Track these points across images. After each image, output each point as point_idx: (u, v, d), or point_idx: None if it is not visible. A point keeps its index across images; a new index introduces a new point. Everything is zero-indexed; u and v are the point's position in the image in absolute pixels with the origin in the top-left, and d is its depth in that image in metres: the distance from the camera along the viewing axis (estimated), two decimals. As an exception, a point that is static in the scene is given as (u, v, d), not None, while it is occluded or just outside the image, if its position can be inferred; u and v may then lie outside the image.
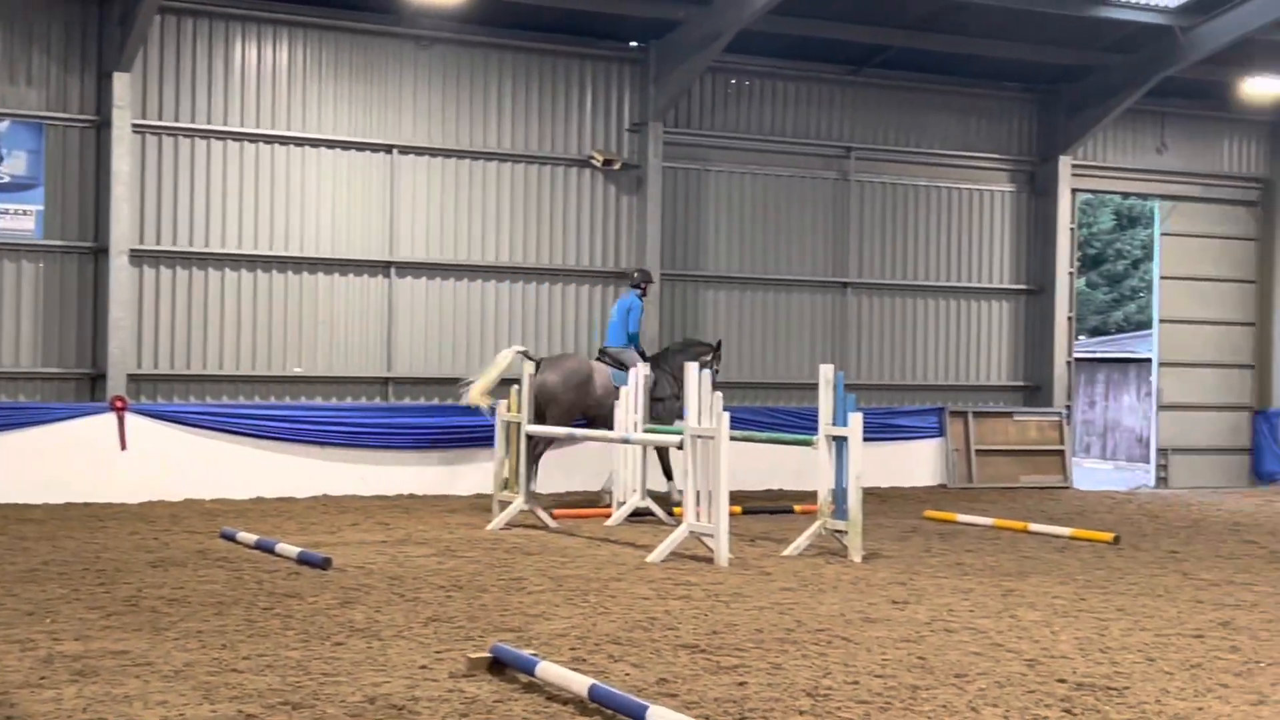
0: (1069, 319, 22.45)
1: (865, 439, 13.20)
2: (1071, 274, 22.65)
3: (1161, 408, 23.69)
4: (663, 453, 16.70)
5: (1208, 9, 19.79)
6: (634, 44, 19.79)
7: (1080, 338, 37.27)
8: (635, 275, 18.03)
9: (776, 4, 17.85)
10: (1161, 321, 23.78)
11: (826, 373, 13.29)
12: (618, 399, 15.76)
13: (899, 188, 21.51)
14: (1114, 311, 44.78)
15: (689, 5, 18.83)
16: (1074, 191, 22.52)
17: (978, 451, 21.27)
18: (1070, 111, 21.89)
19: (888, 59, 20.90)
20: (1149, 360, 25.39)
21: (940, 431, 21.18)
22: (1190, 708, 7.36)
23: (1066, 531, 15.12)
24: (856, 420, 12.87)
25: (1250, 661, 8.58)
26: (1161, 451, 23.68)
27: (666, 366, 17.41)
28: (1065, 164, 22.05)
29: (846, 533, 12.97)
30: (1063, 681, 7.92)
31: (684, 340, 18.66)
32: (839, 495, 13.14)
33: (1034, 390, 22.14)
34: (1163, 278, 23.82)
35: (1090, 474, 27.08)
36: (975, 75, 21.70)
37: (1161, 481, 23.42)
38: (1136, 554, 13.82)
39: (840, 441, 13.08)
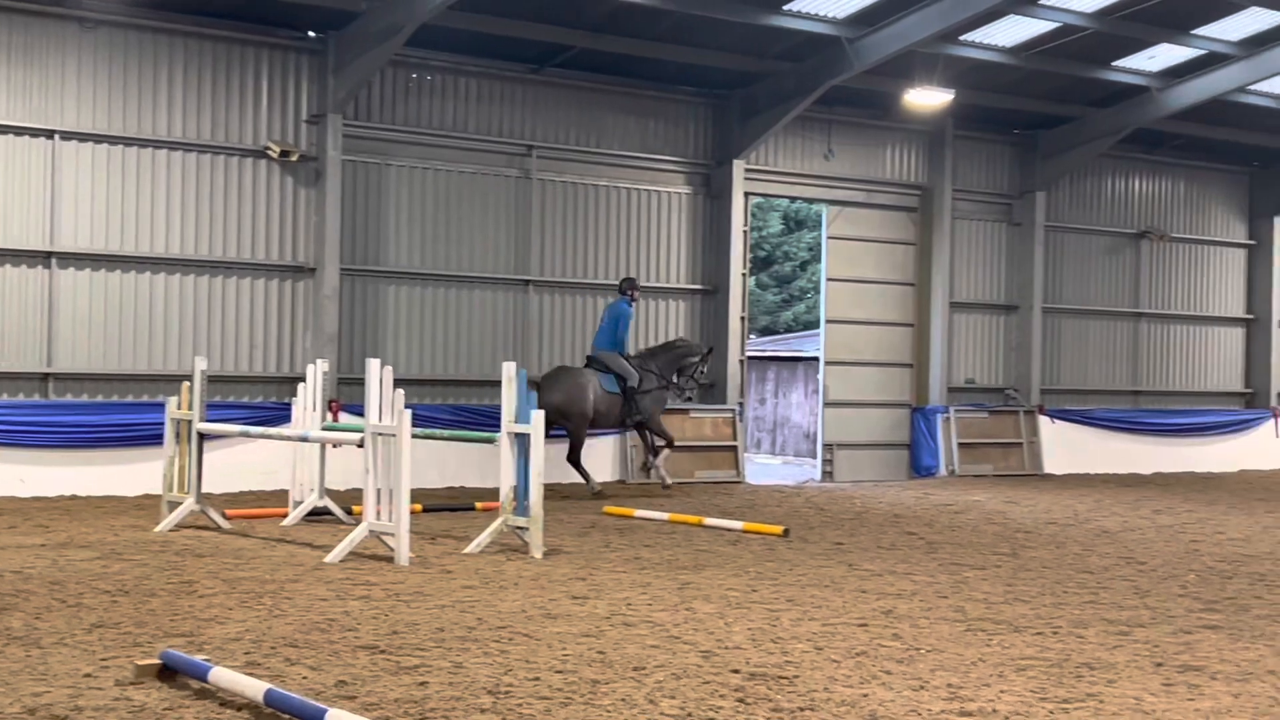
0: (741, 319, 23.01)
1: (547, 436, 13.28)
2: (744, 275, 23.21)
3: (827, 404, 24.52)
4: (644, 433, 19.78)
5: (873, 21, 20.58)
6: (313, 34, 19.39)
7: (752, 337, 38.37)
8: (623, 283, 19.97)
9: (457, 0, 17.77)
10: (828, 322, 24.58)
11: (509, 370, 13.32)
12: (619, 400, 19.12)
13: (580, 187, 21.68)
14: (783, 312, 46.23)
15: (369, -4, 18.58)
16: (747, 195, 23.07)
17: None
18: (743, 117, 22.45)
19: (569, 59, 21.04)
20: (816, 359, 26.24)
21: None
22: (856, 694, 7.64)
23: (739, 525, 15.48)
24: (538, 417, 12.93)
25: (911, 648, 8.96)
26: (827, 447, 24.51)
27: (651, 365, 19.65)
28: (739, 168, 22.57)
29: (528, 529, 13.01)
30: (736, 672, 8.12)
31: (670, 340, 20.73)
32: (520, 492, 13.17)
33: (709, 387, 22.63)
34: (829, 279, 24.62)
35: (762, 469, 27.91)
36: (653, 79, 22.05)
37: (827, 475, 24.26)
38: (805, 546, 14.27)
39: (522, 438, 13.12)
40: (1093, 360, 27.01)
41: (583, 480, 19.19)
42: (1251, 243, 28.66)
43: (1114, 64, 23.35)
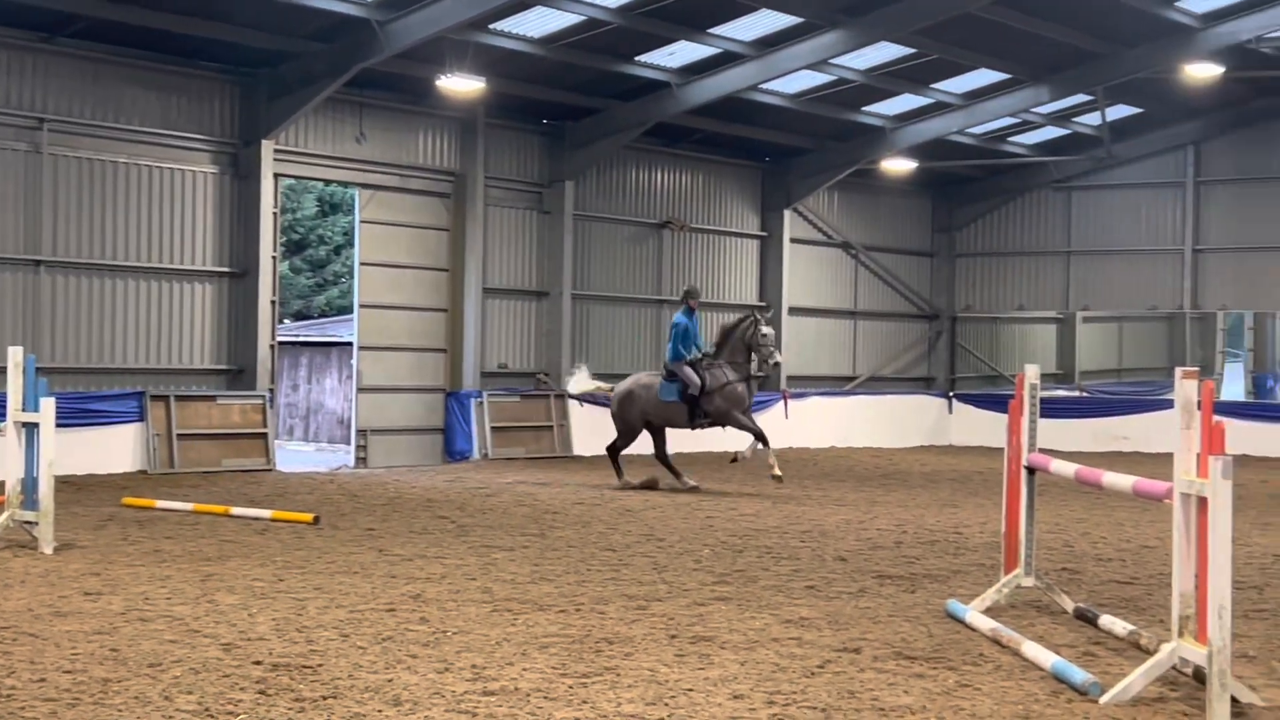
0: (272, 303, 22.53)
1: (59, 425, 12.66)
2: (275, 258, 22.75)
3: (361, 390, 24.34)
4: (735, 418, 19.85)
5: (404, 5, 20.50)
6: None
7: (285, 321, 37.67)
8: (683, 295, 20.65)
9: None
10: (361, 306, 24.40)
11: (16, 355, 12.64)
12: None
13: (98, 164, 20.63)
14: (317, 296, 45.64)
15: None
16: (277, 176, 22.59)
17: (180, 436, 20.89)
18: (272, 96, 21.92)
19: (85, 28, 19.98)
20: (350, 344, 26.01)
21: (141, 416, 20.59)
22: (381, 679, 7.61)
23: (268, 514, 15.20)
24: (49, 405, 12.29)
25: (438, 631, 9.00)
26: (361, 433, 24.33)
27: (720, 361, 19.79)
28: (268, 148, 22.04)
29: (37, 524, 12.34)
30: (258, 663, 7.95)
31: (726, 324, 20.39)
32: (29, 484, 12.49)
33: (238, 374, 22.05)
34: (363, 264, 24.44)
35: (294, 456, 27.44)
36: (178, 53, 21.21)
37: (361, 462, 24.08)
38: (335, 533, 14.13)
39: (31, 428, 12.45)
40: (620, 345, 27.88)
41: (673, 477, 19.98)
42: (764, 234, 30.27)
43: (637, 59, 24.16)
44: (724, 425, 20.27)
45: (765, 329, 19.73)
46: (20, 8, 19.02)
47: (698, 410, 19.79)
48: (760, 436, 19.62)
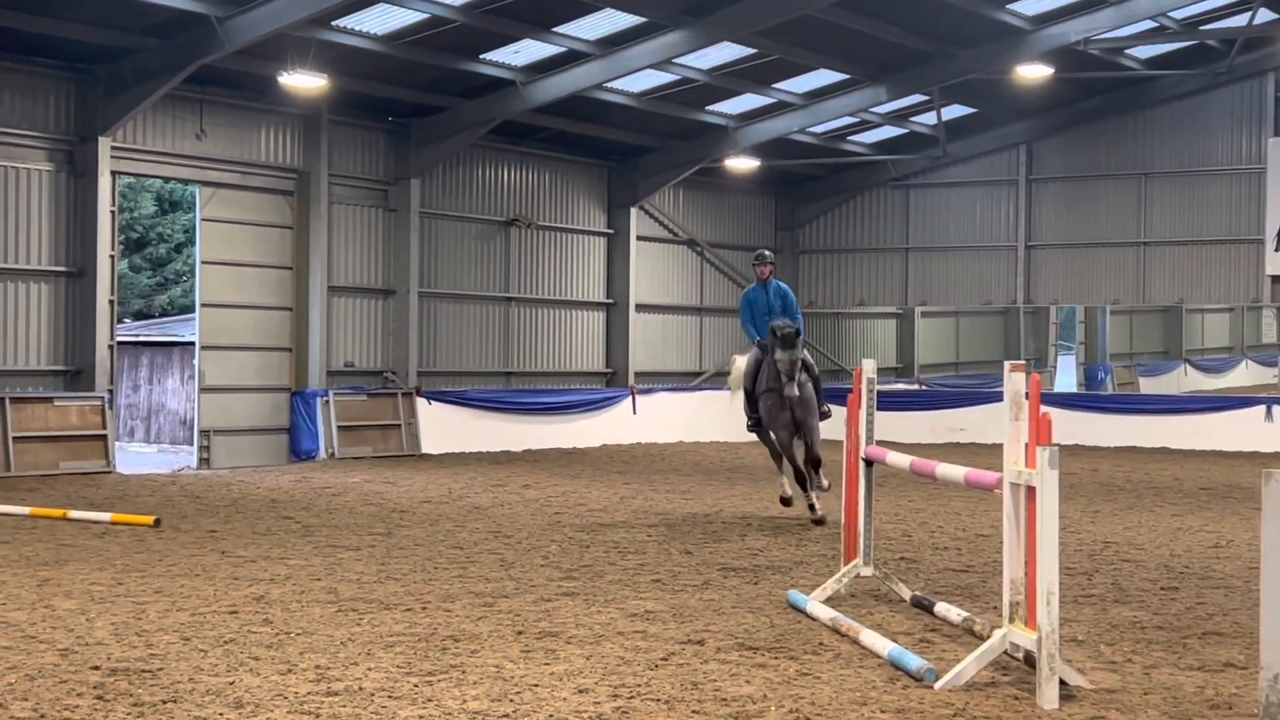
0: (111, 302, 22.07)
1: None
2: (113, 257, 22.29)
3: (204, 390, 23.94)
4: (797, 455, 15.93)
5: (244, 1, 20.21)
6: None
7: (125, 321, 36.90)
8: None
9: None
10: (203, 306, 23.99)
11: None
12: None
13: (-74, 161, 20.05)
14: (158, 295, 44.73)
15: None
16: (114, 174, 22.12)
17: (16, 439, 20.35)
18: (109, 93, 21.44)
19: (-88, 22, 19.41)
20: (192, 343, 25.56)
21: (-26, 419, 20.05)
22: (223, 682, 7.51)
23: (107, 517, 14.90)
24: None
25: (282, 633, 8.90)
26: (204, 433, 23.93)
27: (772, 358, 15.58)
28: (105, 145, 21.56)
29: None
30: (96, 668, 7.79)
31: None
32: None
33: (75, 374, 21.55)
34: (204, 263, 24.03)
35: (135, 458, 26.87)
36: (9, 49, 20.64)
37: (204, 463, 23.68)
38: (177, 535, 13.89)
39: None
40: (468, 343, 27.77)
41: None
42: (610, 231, 30.35)
43: (482, 57, 24.07)
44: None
45: (780, 353, 15.17)
46: None
47: (749, 408, 16.37)
48: (788, 459, 15.97)
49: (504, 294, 28.28)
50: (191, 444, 25.23)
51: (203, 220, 24.02)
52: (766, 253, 16.47)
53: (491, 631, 8.98)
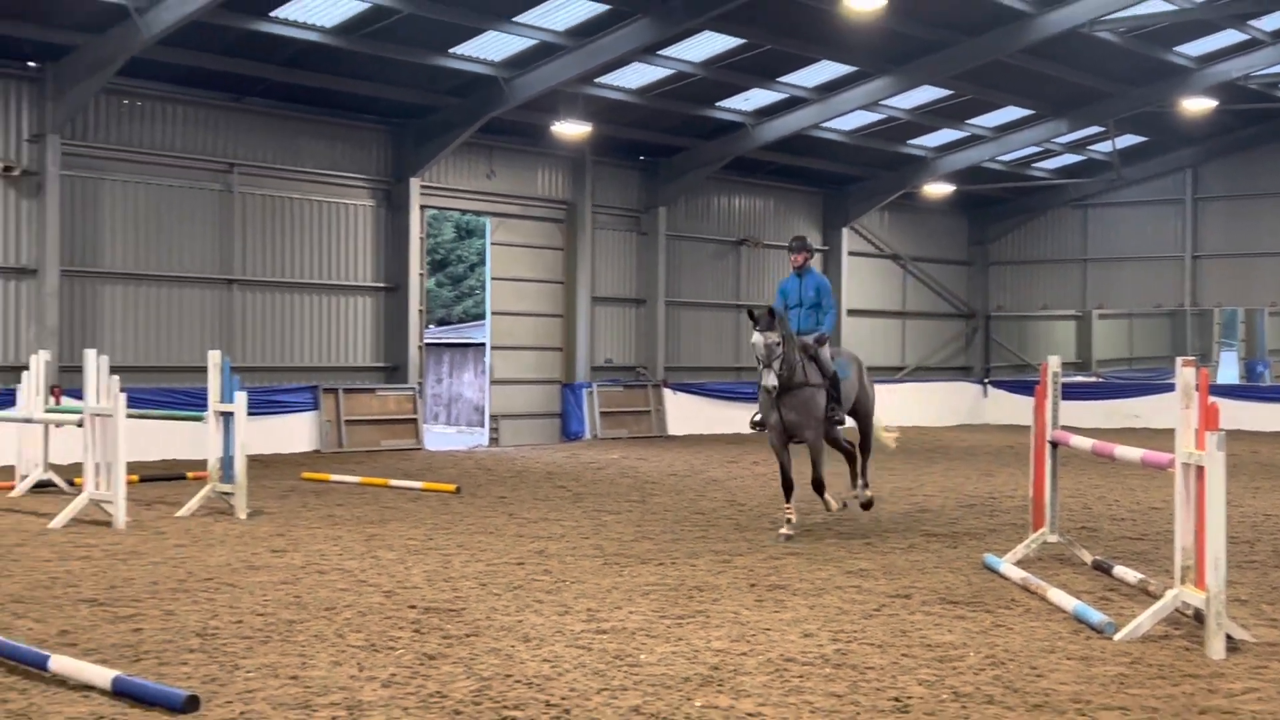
0: (420, 311, 22.77)
1: (250, 413, 12.90)
2: (421, 275, 22.96)
3: (493, 382, 24.52)
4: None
5: (524, 64, 20.64)
6: (32, 64, 18.15)
7: (430, 326, 38.05)
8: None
9: (164, 36, 16.91)
10: (493, 313, 24.58)
11: (214, 357, 12.87)
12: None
13: (278, 200, 20.99)
14: (456, 305, 45.99)
15: (85, 32, 17.48)
16: (423, 208, 22.81)
17: (347, 422, 21.19)
18: (419, 142, 22.17)
19: (266, 89, 20.33)
20: (483, 344, 26.19)
21: (315, 405, 20.92)
22: (513, 620, 7.70)
23: (419, 485, 15.35)
24: (241, 397, 12.52)
25: (559, 581, 9.07)
26: (494, 418, 24.51)
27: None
28: (415, 185, 22.29)
29: (233, 494, 12.58)
30: (413, 607, 8.06)
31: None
32: (226, 462, 12.73)
33: (393, 370, 22.31)
34: (493, 279, 24.63)
35: (438, 437, 27.69)
36: (341, 108, 21.51)
37: (494, 441, 24.25)
38: (474, 500, 14.24)
39: (227, 416, 12.68)
40: (705, 343, 27.84)
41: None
42: (825, 249, 29.98)
43: (718, 104, 24.08)
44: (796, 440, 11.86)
45: (755, 336, 11.20)
46: (214, 74, 19.39)
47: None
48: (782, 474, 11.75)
49: (735, 302, 28.23)
50: (483, 426, 25.86)
51: (492, 244, 24.61)
52: (802, 240, 12.13)
53: (730, 584, 9.00)
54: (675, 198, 26.66)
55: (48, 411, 14.20)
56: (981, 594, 8.68)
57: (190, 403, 18.19)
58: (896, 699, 6.03)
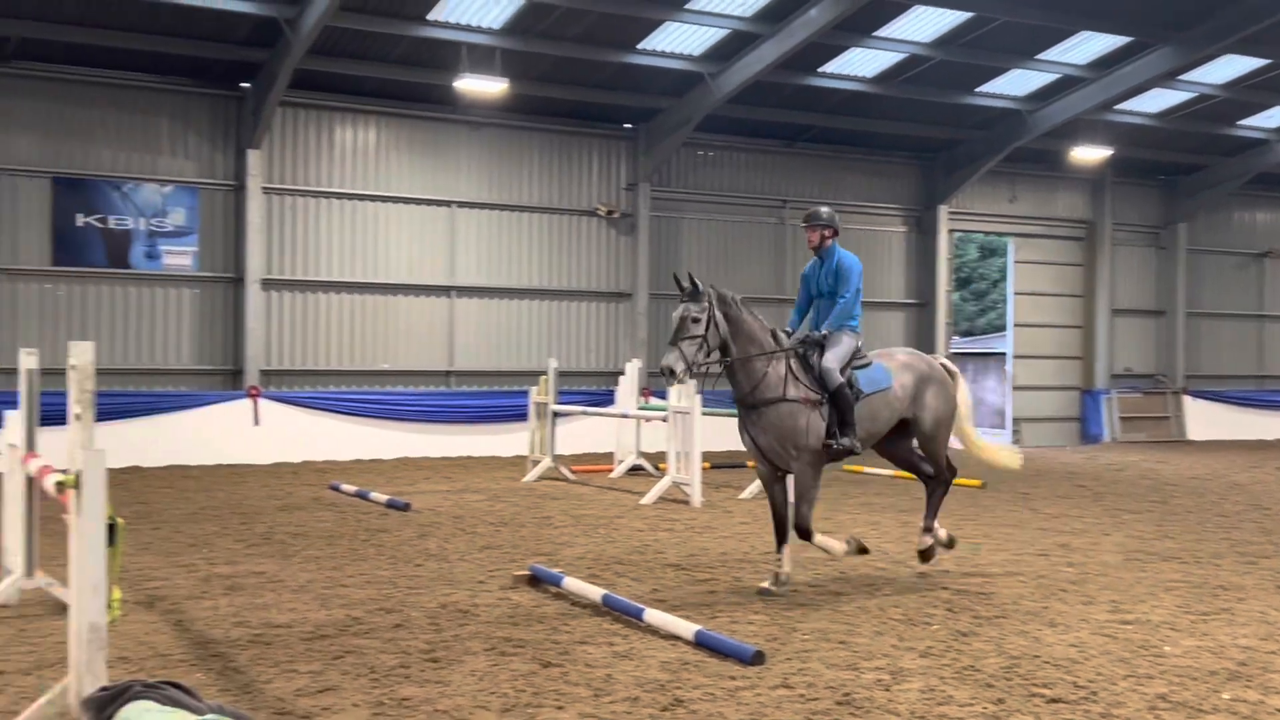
0: (947, 324, 22.47)
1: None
2: (948, 292, 22.67)
3: (1015, 388, 23.72)
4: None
5: (1046, 97, 19.82)
6: (628, 125, 19.77)
7: (955, 338, 37.31)
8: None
9: (732, 95, 17.85)
10: (1015, 325, 23.79)
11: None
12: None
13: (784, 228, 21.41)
14: (980, 318, 44.82)
15: (668, 97, 18.81)
16: (950, 231, 22.52)
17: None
18: (946, 173, 21.89)
19: (813, 134, 20.89)
20: (1005, 354, 25.40)
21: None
22: (1039, 606, 7.40)
23: (946, 479, 15.04)
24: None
25: (1082, 573, 8.61)
26: (1015, 420, 23.70)
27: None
28: (943, 211, 22.04)
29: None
30: (945, 589, 7.94)
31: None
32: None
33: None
34: (1015, 293, 23.83)
35: (962, 437, 27.02)
36: (877, 146, 21.69)
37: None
38: (998, 495, 13.82)
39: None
40: (1225, 352, 25.35)
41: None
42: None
43: (1239, 123, 21.89)
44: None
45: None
46: (770, 124, 20.17)
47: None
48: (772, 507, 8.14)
49: (1257, 313, 25.47)
50: (1004, 428, 25.05)
51: (1015, 262, 23.80)
52: (816, 213, 8.59)
53: (1256, 584, 8.14)
54: (1195, 213, 24.49)
55: (640, 409, 15.36)
56: None
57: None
58: None
